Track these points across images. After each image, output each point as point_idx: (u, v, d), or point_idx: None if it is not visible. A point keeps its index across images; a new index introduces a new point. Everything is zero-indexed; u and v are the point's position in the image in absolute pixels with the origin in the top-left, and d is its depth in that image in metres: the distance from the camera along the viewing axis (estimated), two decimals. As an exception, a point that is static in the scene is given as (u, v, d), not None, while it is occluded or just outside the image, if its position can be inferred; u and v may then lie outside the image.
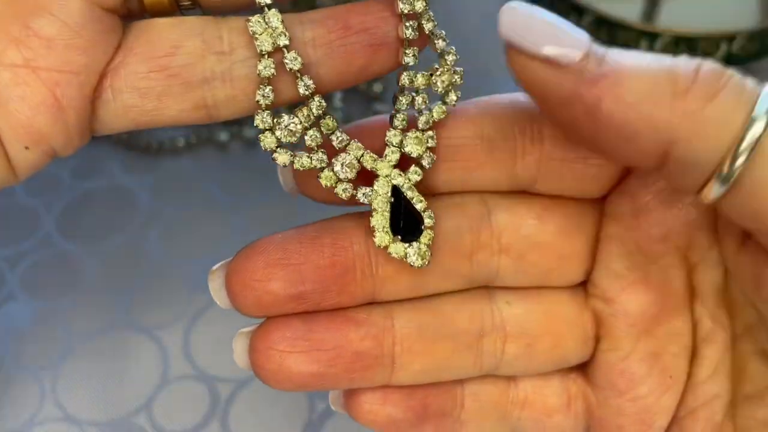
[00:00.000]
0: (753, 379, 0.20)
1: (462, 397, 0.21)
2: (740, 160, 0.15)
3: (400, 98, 0.19)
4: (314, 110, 0.19)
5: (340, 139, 0.19)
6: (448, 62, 0.20)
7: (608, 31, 0.41)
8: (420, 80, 0.19)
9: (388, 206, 0.19)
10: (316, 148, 0.19)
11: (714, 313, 0.20)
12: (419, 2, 0.19)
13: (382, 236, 0.19)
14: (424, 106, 0.19)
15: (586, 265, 0.21)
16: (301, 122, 0.19)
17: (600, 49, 0.16)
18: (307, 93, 0.18)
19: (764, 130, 0.15)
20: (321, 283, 0.19)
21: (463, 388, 0.21)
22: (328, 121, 0.19)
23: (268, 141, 0.19)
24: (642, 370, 0.21)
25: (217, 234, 0.35)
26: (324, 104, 0.19)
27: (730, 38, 0.39)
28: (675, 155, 0.16)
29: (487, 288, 0.21)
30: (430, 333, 0.20)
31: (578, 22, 0.42)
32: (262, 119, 0.19)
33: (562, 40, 0.16)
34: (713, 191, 0.16)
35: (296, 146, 0.19)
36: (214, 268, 0.21)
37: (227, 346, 0.31)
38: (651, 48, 0.40)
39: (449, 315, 0.20)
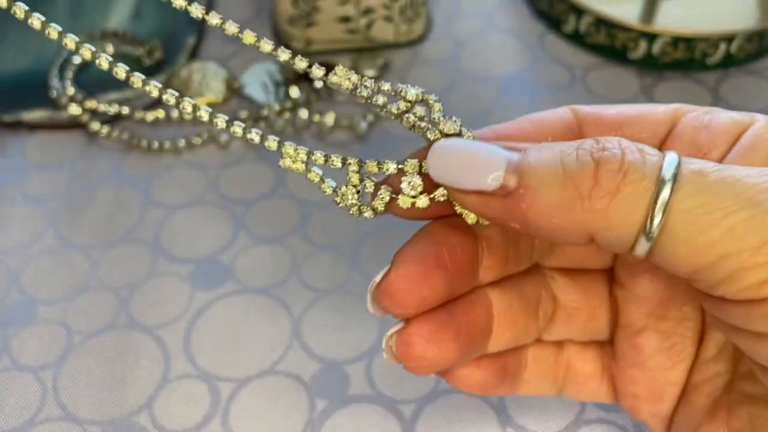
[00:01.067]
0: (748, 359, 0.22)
1: (526, 360, 0.25)
2: (655, 223, 0.17)
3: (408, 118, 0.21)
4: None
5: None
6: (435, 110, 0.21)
7: (607, 31, 0.41)
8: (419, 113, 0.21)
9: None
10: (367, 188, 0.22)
11: None
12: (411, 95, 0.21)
13: (471, 215, 0.21)
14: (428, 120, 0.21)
15: (614, 256, 0.25)
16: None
17: (513, 160, 0.19)
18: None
19: (670, 194, 0.17)
20: (459, 281, 0.22)
21: (527, 353, 0.25)
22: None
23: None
24: (651, 346, 0.24)
25: (218, 234, 0.35)
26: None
27: (729, 39, 0.39)
28: (598, 240, 0.19)
29: (538, 265, 0.25)
30: (514, 307, 0.23)
31: (578, 23, 0.42)
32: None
33: (481, 168, 0.19)
34: (641, 249, 0.18)
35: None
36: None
37: (228, 345, 0.32)
38: (650, 48, 0.40)
39: (521, 290, 0.24)
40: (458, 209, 0.21)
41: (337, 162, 0.21)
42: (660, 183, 0.17)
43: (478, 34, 0.44)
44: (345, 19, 0.41)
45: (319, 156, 0.21)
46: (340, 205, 0.21)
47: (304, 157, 0.21)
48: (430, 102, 0.21)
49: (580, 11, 0.42)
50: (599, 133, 0.22)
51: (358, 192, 0.21)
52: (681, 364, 0.24)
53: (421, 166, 0.21)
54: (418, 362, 0.22)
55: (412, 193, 0.21)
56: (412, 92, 0.21)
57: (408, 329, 0.22)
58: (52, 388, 0.30)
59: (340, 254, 0.34)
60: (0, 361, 0.31)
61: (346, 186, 0.21)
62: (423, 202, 0.21)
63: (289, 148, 0.21)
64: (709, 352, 0.23)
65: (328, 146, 0.38)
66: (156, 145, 0.38)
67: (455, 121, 0.21)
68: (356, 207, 0.21)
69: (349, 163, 0.21)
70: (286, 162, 0.21)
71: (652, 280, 0.24)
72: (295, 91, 0.40)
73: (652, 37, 0.40)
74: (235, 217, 0.36)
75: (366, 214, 0.21)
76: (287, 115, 0.40)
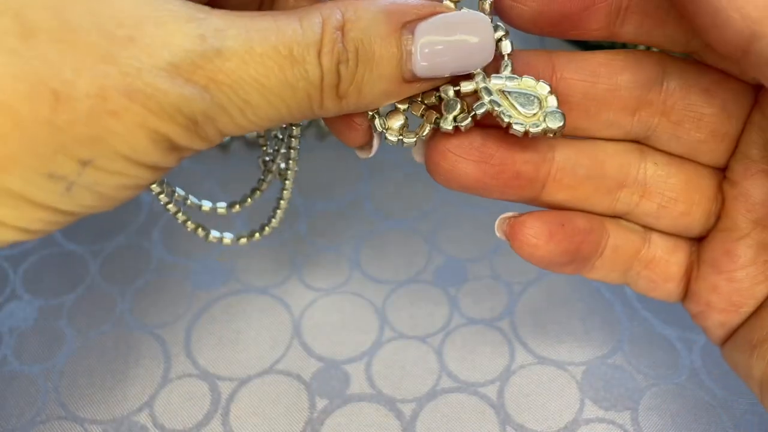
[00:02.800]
0: None
1: (605, 247, 0.24)
2: None
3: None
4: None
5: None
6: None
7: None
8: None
9: (506, 101, 0.21)
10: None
11: None
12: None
13: (518, 126, 0.21)
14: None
15: (732, 148, 0.23)
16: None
17: None
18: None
19: None
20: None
21: (608, 239, 0.24)
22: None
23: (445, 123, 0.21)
24: (747, 256, 0.22)
25: (218, 233, 0.35)
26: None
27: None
28: (755, 49, 0.17)
29: (640, 145, 0.23)
30: (582, 172, 0.23)
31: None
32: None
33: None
34: None
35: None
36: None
37: (228, 344, 0.32)
38: (649, 48, 0.40)
39: (601, 160, 0.23)
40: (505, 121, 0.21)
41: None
42: None
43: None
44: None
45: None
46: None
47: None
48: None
49: (579, 12, 0.42)
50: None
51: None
52: None
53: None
54: (434, 167, 0.22)
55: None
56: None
57: (442, 136, 0.21)
58: (53, 387, 0.31)
59: (340, 254, 0.34)
60: (0, 360, 0.31)
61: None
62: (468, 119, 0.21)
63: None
64: None
65: (328, 146, 0.39)
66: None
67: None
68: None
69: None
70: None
71: None
72: None
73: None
74: (235, 217, 0.36)
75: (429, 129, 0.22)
76: None
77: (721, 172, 0.23)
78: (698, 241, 0.24)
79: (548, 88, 0.21)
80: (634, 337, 0.31)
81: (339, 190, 0.37)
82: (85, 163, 0.17)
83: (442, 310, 0.32)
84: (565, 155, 0.22)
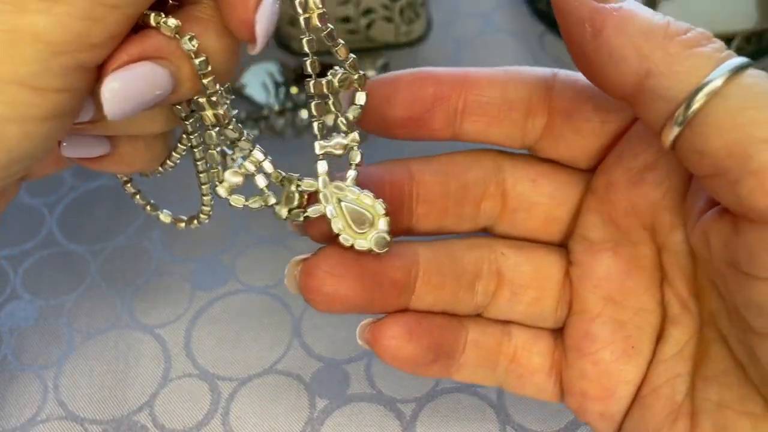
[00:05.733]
0: (713, 363, 0.21)
1: (465, 342, 0.24)
2: (695, 107, 0.18)
3: (312, 107, 0.21)
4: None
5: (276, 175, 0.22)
6: (351, 64, 0.21)
7: (607, 31, 0.41)
8: (335, 84, 0.21)
9: (340, 211, 0.21)
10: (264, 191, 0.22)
11: (683, 298, 0.22)
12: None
13: (347, 237, 0.21)
14: (338, 113, 0.21)
15: (567, 230, 0.24)
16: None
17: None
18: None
19: (720, 86, 0.18)
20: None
21: (467, 334, 0.24)
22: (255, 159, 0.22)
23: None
24: (605, 334, 0.23)
25: (218, 234, 0.35)
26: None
27: (729, 39, 0.39)
28: (647, 86, 0.19)
29: (489, 237, 0.25)
30: (445, 269, 0.23)
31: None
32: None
33: None
34: (671, 133, 0.18)
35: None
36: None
37: (228, 344, 0.32)
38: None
39: (459, 256, 0.24)
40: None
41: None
42: (732, 60, 0.18)
43: (478, 34, 0.44)
44: (345, 20, 0.41)
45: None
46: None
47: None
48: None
49: (579, 12, 0.42)
50: (572, 98, 0.23)
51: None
52: (636, 359, 0.23)
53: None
54: (315, 294, 0.22)
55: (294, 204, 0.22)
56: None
57: (312, 259, 0.22)
58: (53, 387, 0.31)
59: (340, 254, 0.34)
60: (1, 360, 0.31)
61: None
62: (299, 218, 0.22)
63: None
64: (669, 350, 0.22)
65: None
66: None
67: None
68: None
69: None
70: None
71: (614, 258, 0.23)
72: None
73: (651, 38, 0.40)
74: (235, 217, 0.36)
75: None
76: (287, 115, 0.40)
77: (567, 256, 0.24)
78: (561, 331, 0.24)
79: (383, 210, 0.21)
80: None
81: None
82: None
83: (442, 310, 0.32)
84: (427, 256, 0.23)
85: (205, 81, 0.19)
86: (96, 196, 0.37)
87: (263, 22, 0.18)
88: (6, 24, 0.16)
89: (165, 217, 0.25)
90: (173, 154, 0.23)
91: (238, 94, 0.41)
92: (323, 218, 0.21)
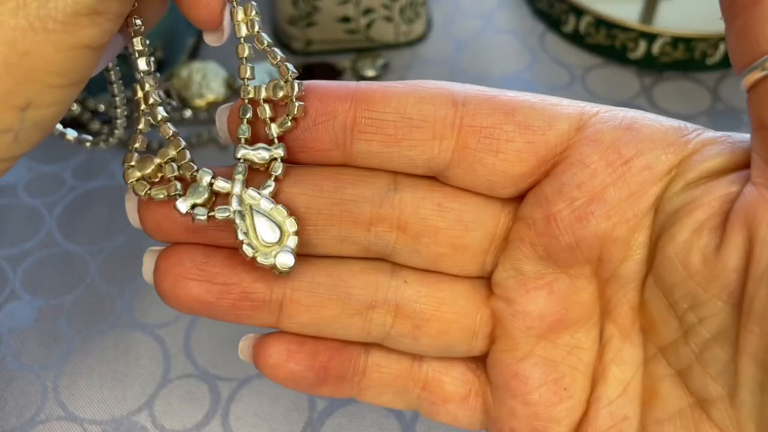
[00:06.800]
0: (665, 403, 0.20)
1: (365, 366, 0.22)
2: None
3: (240, 113, 0.20)
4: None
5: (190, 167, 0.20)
6: (289, 73, 0.20)
7: (607, 31, 0.41)
8: (263, 93, 0.20)
9: (250, 219, 0.20)
10: (171, 179, 0.20)
11: (627, 333, 0.20)
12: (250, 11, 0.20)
13: (248, 249, 0.20)
14: (270, 121, 0.20)
15: (482, 260, 0.22)
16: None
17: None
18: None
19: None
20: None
21: (368, 358, 0.22)
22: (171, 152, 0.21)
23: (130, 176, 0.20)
24: (535, 376, 0.21)
25: (218, 233, 0.35)
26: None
27: (729, 39, 0.39)
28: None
29: (392, 263, 0.22)
30: (321, 291, 0.21)
31: (577, 23, 0.42)
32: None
33: None
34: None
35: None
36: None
37: (228, 345, 0.32)
38: (650, 48, 0.40)
39: (344, 279, 0.21)
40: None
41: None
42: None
43: (478, 34, 0.44)
44: (345, 20, 0.41)
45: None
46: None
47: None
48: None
49: (579, 11, 0.42)
50: (489, 114, 0.20)
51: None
52: (569, 400, 0.21)
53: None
54: (167, 295, 0.21)
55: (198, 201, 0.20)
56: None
57: (165, 255, 0.21)
58: (52, 387, 0.31)
59: (340, 254, 0.34)
60: (1, 360, 0.31)
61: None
62: (202, 216, 0.20)
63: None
64: (613, 392, 0.20)
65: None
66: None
67: None
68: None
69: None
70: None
71: (549, 297, 0.21)
72: None
73: (651, 38, 0.40)
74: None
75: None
76: None
77: (487, 287, 0.22)
78: (481, 359, 0.22)
79: (294, 228, 0.20)
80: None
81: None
82: (24, 108, 0.17)
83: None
84: (299, 273, 0.21)
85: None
86: (96, 196, 0.37)
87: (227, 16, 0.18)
88: None
89: (69, 137, 0.24)
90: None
91: (237, 93, 0.41)
92: (167, 211, 0.20)
